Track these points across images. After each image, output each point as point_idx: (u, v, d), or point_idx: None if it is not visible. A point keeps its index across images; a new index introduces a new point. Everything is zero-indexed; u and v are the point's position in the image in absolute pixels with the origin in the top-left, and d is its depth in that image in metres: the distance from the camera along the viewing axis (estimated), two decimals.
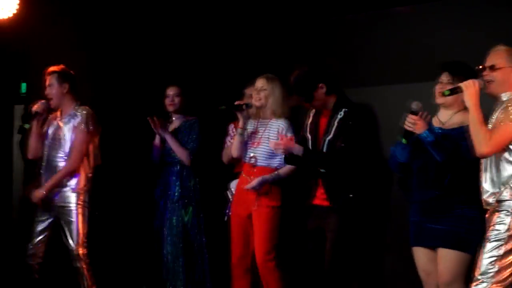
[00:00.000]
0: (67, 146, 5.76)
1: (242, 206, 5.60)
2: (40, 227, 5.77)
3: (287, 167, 5.51)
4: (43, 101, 5.79)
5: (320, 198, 5.34)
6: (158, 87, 6.48)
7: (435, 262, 4.73)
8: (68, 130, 5.77)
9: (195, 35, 6.94)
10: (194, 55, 6.91)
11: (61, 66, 5.86)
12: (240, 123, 5.56)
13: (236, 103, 5.55)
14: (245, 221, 5.58)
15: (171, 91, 6.31)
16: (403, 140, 4.70)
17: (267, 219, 5.47)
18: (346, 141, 5.21)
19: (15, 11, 6.28)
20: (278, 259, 5.48)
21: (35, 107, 5.77)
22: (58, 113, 5.88)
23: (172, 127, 6.32)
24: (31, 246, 5.74)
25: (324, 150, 5.30)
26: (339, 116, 5.28)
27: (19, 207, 6.80)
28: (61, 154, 5.77)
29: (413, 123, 4.63)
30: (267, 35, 6.61)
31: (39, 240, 5.74)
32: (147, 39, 6.94)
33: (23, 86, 6.89)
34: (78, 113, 5.80)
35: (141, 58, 6.89)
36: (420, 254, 4.83)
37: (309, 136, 5.45)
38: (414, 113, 4.69)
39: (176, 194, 6.18)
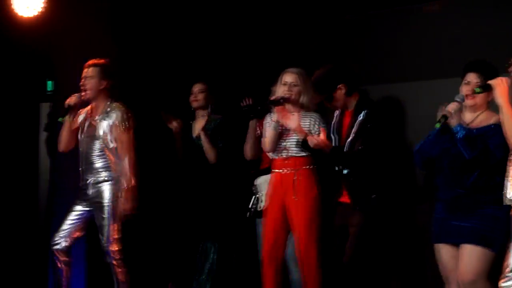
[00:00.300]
0: (103, 143, 5.77)
1: (277, 201, 5.56)
2: (72, 219, 5.78)
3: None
4: (76, 94, 5.79)
5: (345, 196, 5.34)
6: (186, 85, 6.47)
7: (458, 260, 4.71)
8: (104, 128, 5.77)
9: (221, 34, 6.95)
10: (220, 54, 6.91)
11: (106, 61, 5.84)
12: (275, 117, 5.53)
13: (272, 98, 5.52)
14: (279, 217, 5.55)
15: (195, 88, 6.32)
16: (437, 124, 4.66)
17: (306, 208, 5.43)
18: (365, 143, 5.22)
19: (40, 9, 6.31)
20: (320, 252, 5.43)
21: (69, 101, 5.78)
22: (90, 108, 5.87)
23: (198, 125, 6.31)
24: (58, 235, 5.74)
25: (345, 151, 5.32)
26: (359, 118, 5.29)
27: (46, 204, 6.83)
28: (96, 152, 5.79)
29: (453, 112, 4.60)
30: (292, 34, 6.61)
31: (66, 232, 5.75)
32: (174, 36, 6.95)
33: (49, 84, 6.92)
34: (114, 111, 5.79)
35: (167, 57, 6.90)
36: (443, 251, 4.83)
37: (335, 137, 5.48)
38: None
39: (204, 192, 6.18)
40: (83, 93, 5.76)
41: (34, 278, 6.62)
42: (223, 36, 7.00)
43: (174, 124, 6.25)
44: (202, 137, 6.15)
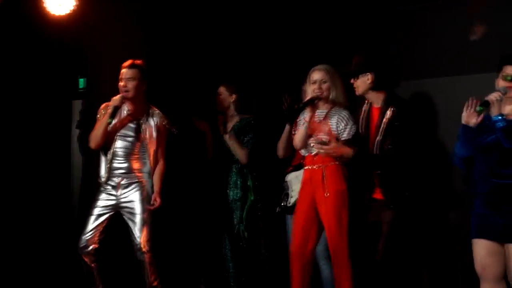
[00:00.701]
0: (141, 145, 5.82)
1: (307, 198, 5.56)
2: (96, 220, 5.82)
3: None
4: (119, 95, 5.82)
5: (378, 192, 5.31)
6: (214, 86, 6.48)
7: (495, 257, 4.67)
8: (146, 130, 5.81)
9: (248, 33, 6.95)
10: (250, 53, 6.90)
11: (143, 62, 5.90)
12: (308, 116, 5.53)
13: (305, 100, 5.52)
14: (309, 214, 5.54)
15: (221, 89, 6.32)
16: (479, 108, 4.61)
17: (336, 204, 5.42)
18: (394, 143, 5.18)
19: (72, 7, 6.35)
20: (352, 248, 5.41)
21: (115, 102, 5.81)
22: (128, 109, 5.91)
23: (227, 126, 6.31)
24: (84, 238, 5.80)
25: (374, 151, 5.29)
26: (386, 116, 5.25)
27: (78, 202, 6.87)
28: (132, 152, 5.85)
29: (496, 100, 4.56)
30: (319, 30, 6.59)
31: (92, 233, 5.79)
32: (204, 37, 6.96)
33: (81, 82, 6.96)
34: (156, 114, 5.88)
35: (198, 56, 6.92)
36: (480, 247, 4.76)
37: (363, 133, 5.42)
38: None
39: (236, 192, 6.18)
40: (125, 94, 5.78)
41: (66, 276, 6.65)
42: (251, 35, 6.99)
43: (205, 127, 6.25)
44: (227, 139, 6.14)
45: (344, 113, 5.50)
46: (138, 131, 5.85)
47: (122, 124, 5.86)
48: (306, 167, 5.62)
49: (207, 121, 6.35)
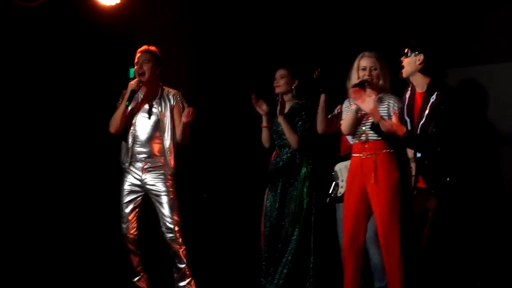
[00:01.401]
0: (158, 126, 5.86)
1: (357, 186, 5.52)
2: (129, 208, 5.90)
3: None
4: (136, 79, 5.90)
5: (422, 181, 5.24)
6: (270, 71, 6.45)
7: None
8: (161, 111, 5.85)
9: (303, 18, 6.90)
10: (304, 38, 6.86)
11: (155, 48, 5.97)
12: (358, 100, 5.48)
13: (356, 82, 5.47)
14: (360, 202, 5.51)
15: (278, 73, 6.28)
16: None
17: (388, 192, 5.38)
18: (438, 126, 5.08)
19: None
20: (402, 236, 5.37)
21: (132, 86, 5.87)
22: (143, 93, 5.97)
23: (281, 110, 6.28)
24: (124, 226, 5.87)
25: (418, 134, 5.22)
26: (431, 100, 5.16)
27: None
28: (151, 135, 5.90)
29: None
30: (369, 14, 6.52)
31: (131, 219, 5.88)
32: (255, 21, 6.93)
33: (131, 71, 7.00)
34: (171, 95, 5.93)
35: (249, 42, 6.89)
36: None
37: (407, 119, 5.35)
38: None
39: (288, 177, 6.16)
40: (141, 77, 5.84)
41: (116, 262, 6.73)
42: (305, 20, 6.94)
43: (263, 108, 6.21)
44: (281, 122, 6.12)
45: (395, 98, 5.47)
46: (155, 113, 5.89)
47: (139, 108, 5.93)
48: (356, 155, 5.57)
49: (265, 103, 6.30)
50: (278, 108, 6.14)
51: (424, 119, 5.18)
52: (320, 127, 5.78)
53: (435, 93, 5.16)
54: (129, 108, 5.88)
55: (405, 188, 5.38)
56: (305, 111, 6.15)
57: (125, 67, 6.96)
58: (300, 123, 6.14)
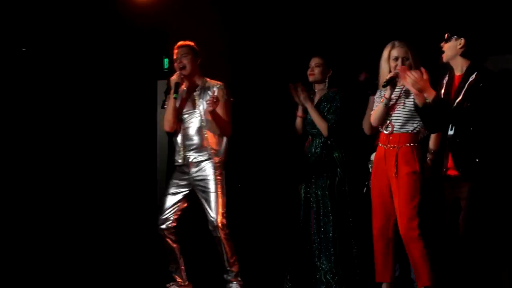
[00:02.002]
0: (202, 119, 5.85)
1: (381, 176, 5.50)
2: (172, 200, 5.88)
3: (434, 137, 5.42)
4: (177, 73, 5.87)
5: (453, 168, 5.19)
6: (304, 59, 6.44)
7: None
8: (203, 103, 5.85)
9: (339, 7, 6.87)
10: (339, 27, 6.84)
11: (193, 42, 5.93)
12: (388, 94, 5.46)
13: (388, 77, 5.45)
14: (385, 192, 5.49)
15: (312, 62, 6.26)
16: None
17: (407, 185, 5.36)
18: (474, 102, 5.01)
19: None
20: (422, 228, 5.34)
21: (174, 79, 5.86)
22: (186, 86, 5.93)
23: (315, 98, 6.27)
24: (161, 218, 5.88)
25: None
26: (469, 79, 5.09)
27: (164, 181, 6.98)
28: (196, 128, 5.87)
29: None
30: (404, 4, 6.47)
31: (169, 212, 5.85)
32: (290, 10, 6.92)
33: (166, 62, 7.05)
34: (213, 86, 5.89)
35: (284, 31, 6.88)
36: None
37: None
38: None
39: (320, 166, 6.15)
40: (182, 72, 5.84)
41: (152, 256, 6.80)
42: (341, 8, 6.91)
43: (301, 95, 6.19)
44: (310, 111, 6.10)
45: None
46: (199, 106, 5.87)
47: (184, 102, 5.91)
48: (381, 145, 5.56)
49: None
50: (306, 96, 6.13)
51: (461, 96, 5.10)
52: (369, 128, 5.83)
53: (474, 73, 5.10)
54: (171, 103, 5.83)
55: (428, 180, 5.35)
56: (338, 100, 6.12)
57: (160, 57, 7.02)
58: (331, 111, 6.12)
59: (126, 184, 7.04)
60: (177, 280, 5.92)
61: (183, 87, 5.89)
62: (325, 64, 6.19)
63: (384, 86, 5.47)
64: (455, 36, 5.18)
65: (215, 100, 5.67)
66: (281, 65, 6.86)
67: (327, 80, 6.21)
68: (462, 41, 5.17)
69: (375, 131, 5.83)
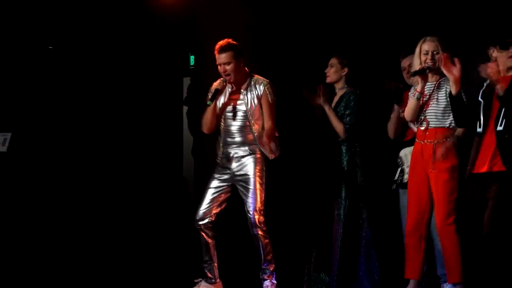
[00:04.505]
0: (247, 116, 5.83)
1: (419, 172, 5.49)
2: (212, 194, 5.87)
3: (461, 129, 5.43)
4: (222, 78, 5.82)
5: (479, 166, 5.19)
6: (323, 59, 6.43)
7: None
8: (249, 101, 5.83)
9: (357, 6, 6.87)
10: (357, 27, 6.83)
11: (230, 41, 5.78)
12: (420, 87, 5.46)
13: (418, 68, 5.44)
14: (422, 188, 5.48)
15: (329, 62, 6.25)
16: None
17: (445, 180, 5.34)
18: None
19: None
20: (459, 223, 5.33)
21: (217, 85, 5.84)
22: (231, 86, 5.87)
23: (335, 99, 6.25)
24: (200, 212, 5.89)
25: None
26: None
27: (190, 178, 7.00)
28: (240, 125, 5.84)
29: None
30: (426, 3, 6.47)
31: (208, 206, 5.85)
32: (310, 10, 6.92)
33: (192, 59, 7.06)
34: (259, 84, 5.84)
35: (304, 30, 6.88)
36: None
37: (481, 101, 5.30)
38: None
39: (343, 167, 6.14)
40: (228, 78, 5.77)
41: (182, 251, 6.82)
42: (359, 8, 6.91)
43: (321, 98, 6.16)
44: (327, 112, 6.08)
45: None
46: (244, 103, 5.84)
47: (229, 101, 5.88)
48: (418, 141, 5.55)
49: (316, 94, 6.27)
50: (325, 99, 6.11)
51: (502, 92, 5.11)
52: (393, 133, 5.95)
53: None
54: (219, 104, 5.83)
55: (463, 176, 5.33)
56: (354, 100, 6.09)
57: (186, 54, 7.04)
58: (348, 111, 6.08)
59: (152, 181, 7.06)
60: (208, 275, 5.88)
61: (229, 87, 5.84)
62: (340, 63, 6.16)
63: (411, 76, 5.47)
64: None
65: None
66: (304, 67, 6.86)
67: (344, 79, 6.19)
68: None
69: (399, 135, 5.85)
